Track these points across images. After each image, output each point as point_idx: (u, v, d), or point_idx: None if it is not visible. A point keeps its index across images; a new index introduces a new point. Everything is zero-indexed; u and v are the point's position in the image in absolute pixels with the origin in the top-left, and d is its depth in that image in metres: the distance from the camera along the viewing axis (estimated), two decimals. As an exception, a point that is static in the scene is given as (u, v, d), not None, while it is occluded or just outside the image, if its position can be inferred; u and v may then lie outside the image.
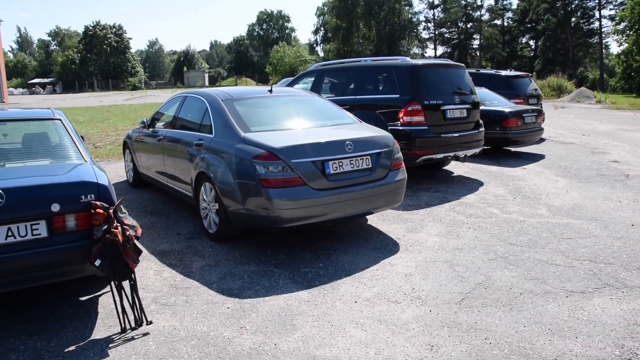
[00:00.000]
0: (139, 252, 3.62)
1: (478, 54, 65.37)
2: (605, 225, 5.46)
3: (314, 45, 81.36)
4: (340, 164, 4.65)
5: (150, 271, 4.56)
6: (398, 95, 7.21)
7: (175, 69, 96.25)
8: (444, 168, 8.82)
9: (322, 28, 78.85)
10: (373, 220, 5.78)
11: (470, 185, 7.54)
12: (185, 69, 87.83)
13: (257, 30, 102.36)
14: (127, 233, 3.55)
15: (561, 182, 7.71)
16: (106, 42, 77.74)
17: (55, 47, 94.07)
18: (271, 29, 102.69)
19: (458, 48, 65.00)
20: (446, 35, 65.79)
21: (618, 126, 15.43)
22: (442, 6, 64.21)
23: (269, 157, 4.46)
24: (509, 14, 61.17)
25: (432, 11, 65.79)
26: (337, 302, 3.78)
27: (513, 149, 10.96)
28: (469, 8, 62.18)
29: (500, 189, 7.30)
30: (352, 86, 7.98)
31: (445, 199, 6.72)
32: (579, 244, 4.84)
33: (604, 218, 5.74)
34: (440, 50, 67.93)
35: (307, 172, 4.47)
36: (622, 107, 23.51)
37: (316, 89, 8.65)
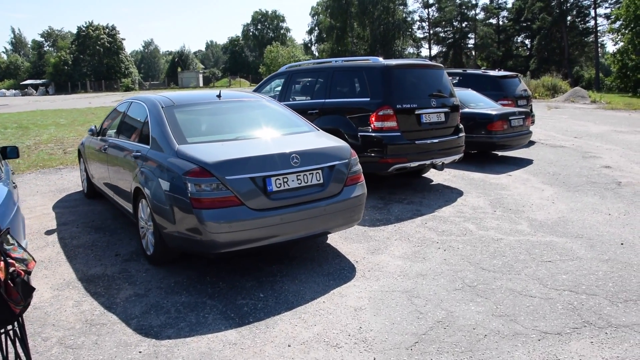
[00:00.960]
0: (29, 291, 3.03)
1: (473, 53, 64.85)
2: (591, 244, 4.89)
3: (309, 45, 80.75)
4: (285, 179, 4.06)
5: (69, 302, 3.97)
6: (369, 99, 6.62)
7: (169, 69, 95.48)
8: (423, 176, 8.24)
9: (316, 28, 78.25)
10: (333, 238, 5.20)
11: (449, 195, 6.96)
12: (179, 69, 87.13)
13: (252, 30, 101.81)
14: (12, 269, 2.96)
15: (547, 192, 7.14)
16: (99, 42, 76.94)
17: (48, 47, 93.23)
18: (266, 29, 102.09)
19: (453, 47, 64.43)
20: (441, 34, 65.20)
21: (612, 127, 14.89)
22: (436, 5, 63.64)
23: (201, 174, 3.88)
24: (504, 13, 60.70)
25: (426, 10, 65.27)
26: (268, 346, 3.19)
27: (500, 154, 10.40)
28: (463, 7, 61.61)
29: (481, 199, 6.72)
30: (322, 89, 7.40)
31: (419, 212, 6.13)
32: (559, 269, 4.26)
33: (590, 235, 5.16)
34: (435, 49, 67.43)
35: (245, 190, 3.89)
36: (617, 107, 22.98)
37: (286, 91, 8.07)
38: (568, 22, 50.80)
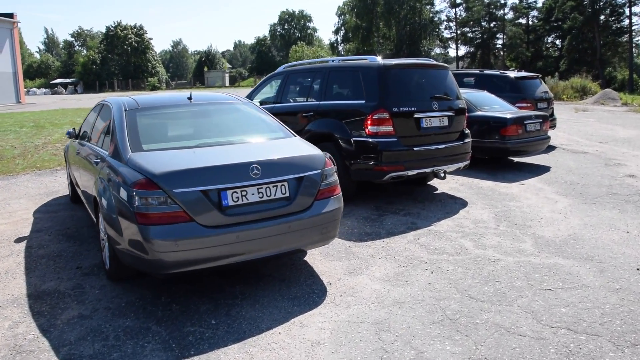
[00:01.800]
0: None
1: (502, 53, 63.30)
2: (602, 268, 4.29)
3: (335, 45, 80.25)
4: (244, 193, 3.61)
5: (6, 323, 3.60)
6: (364, 101, 6.12)
7: (196, 69, 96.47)
8: (427, 183, 7.69)
9: (342, 28, 77.71)
10: (312, 254, 4.72)
11: (451, 206, 6.41)
12: (205, 69, 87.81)
13: (278, 30, 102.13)
14: None
15: (561, 203, 6.52)
16: (127, 42, 78.08)
17: (78, 47, 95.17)
18: (293, 28, 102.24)
19: (481, 48, 62.99)
20: (469, 34, 63.78)
21: (642, 132, 13.99)
22: (464, 5, 62.30)
23: (147, 186, 3.46)
24: (534, 13, 58.94)
25: (453, 10, 63.92)
26: (201, 390, 2.75)
27: (515, 160, 9.75)
28: (492, 6, 60.07)
29: (485, 212, 6.14)
30: (317, 90, 6.94)
31: (414, 225, 5.61)
32: (559, 300, 3.69)
33: (602, 257, 4.56)
34: (463, 50, 66.10)
35: (195, 204, 3.45)
36: (650, 110, 21.82)
37: (282, 92, 7.64)
38: (601, 22, 49.02)
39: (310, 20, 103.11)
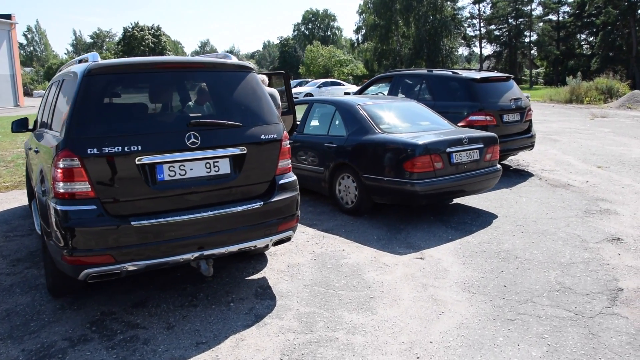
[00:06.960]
0: None
1: (533, 53, 58.83)
2: None
3: (355, 44, 77.03)
4: None
5: None
6: (59, 134, 3.30)
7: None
8: (265, 253, 4.79)
9: (363, 27, 74.48)
10: None
11: (220, 326, 3.50)
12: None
13: (302, 29, 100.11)
14: None
15: (447, 320, 3.53)
16: (144, 43, 76.92)
17: (100, 49, 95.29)
18: (317, 28, 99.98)
19: (508, 46, 58.70)
20: (494, 32, 59.47)
21: (663, 151, 10.59)
22: (488, 0, 58.16)
23: None
24: (565, 8, 54.28)
25: (477, 6, 59.72)
26: None
27: (455, 200, 6.72)
28: (518, 2, 55.65)
29: (261, 355, 3.22)
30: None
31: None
32: None
33: None
34: (489, 49, 61.89)
35: None
36: (685, 117, 18.06)
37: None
38: (638, 15, 44.30)
39: (334, 20, 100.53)
